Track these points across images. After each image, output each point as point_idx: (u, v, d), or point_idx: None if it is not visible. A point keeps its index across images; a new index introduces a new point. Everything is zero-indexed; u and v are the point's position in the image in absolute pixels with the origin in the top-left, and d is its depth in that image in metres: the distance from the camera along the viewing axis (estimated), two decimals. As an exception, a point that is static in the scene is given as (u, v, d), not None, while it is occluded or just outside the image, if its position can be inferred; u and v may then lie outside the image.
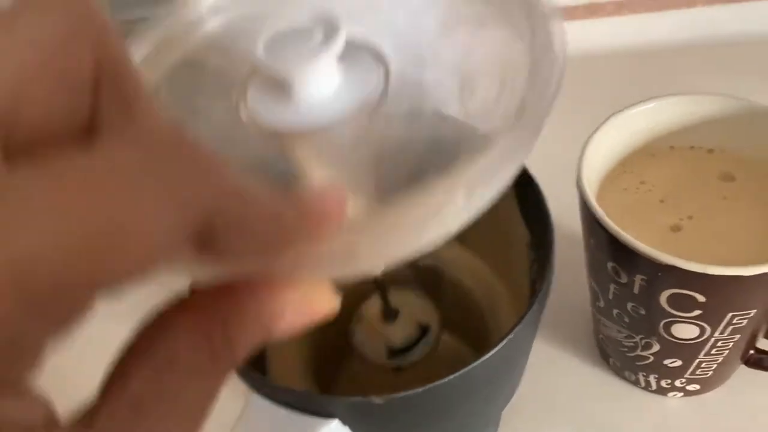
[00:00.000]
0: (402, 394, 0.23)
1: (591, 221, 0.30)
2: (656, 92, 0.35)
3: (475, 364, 0.23)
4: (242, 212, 0.12)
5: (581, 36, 0.55)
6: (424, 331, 0.31)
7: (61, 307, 0.11)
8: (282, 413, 0.25)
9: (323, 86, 0.19)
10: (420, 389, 0.23)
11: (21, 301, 0.10)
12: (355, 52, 0.19)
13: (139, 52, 0.21)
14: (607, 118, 0.33)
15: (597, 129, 0.33)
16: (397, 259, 0.16)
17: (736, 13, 0.55)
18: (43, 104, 0.12)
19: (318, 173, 0.20)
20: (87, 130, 0.13)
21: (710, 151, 0.34)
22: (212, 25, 0.23)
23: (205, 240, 0.12)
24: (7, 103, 0.12)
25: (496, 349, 0.24)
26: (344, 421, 0.24)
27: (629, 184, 0.34)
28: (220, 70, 0.22)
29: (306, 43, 0.18)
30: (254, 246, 0.13)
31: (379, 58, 0.20)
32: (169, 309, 0.14)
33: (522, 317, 0.25)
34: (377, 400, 0.22)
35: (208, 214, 0.12)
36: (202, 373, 0.14)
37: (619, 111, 0.34)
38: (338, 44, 0.18)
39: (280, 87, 0.19)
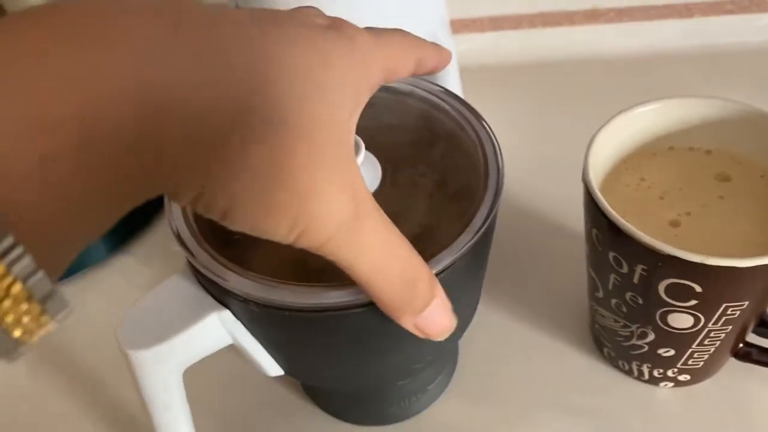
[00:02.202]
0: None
1: (595, 213, 0.31)
2: (654, 96, 0.36)
3: None
4: None
5: (582, 41, 0.57)
6: None
7: None
8: (193, 290, 0.27)
9: None
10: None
11: None
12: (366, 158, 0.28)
13: None
14: (612, 118, 0.35)
15: (602, 127, 0.34)
16: None
17: (729, 25, 0.57)
18: None
19: None
20: None
21: (708, 152, 0.36)
22: None
23: None
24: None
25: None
26: (238, 316, 0.27)
27: (630, 181, 0.35)
28: None
29: None
30: None
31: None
32: None
33: (464, 246, 0.26)
34: (254, 307, 0.25)
35: None
36: None
37: (623, 111, 0.35)
38: (360, 159, 0.27)
39: None
